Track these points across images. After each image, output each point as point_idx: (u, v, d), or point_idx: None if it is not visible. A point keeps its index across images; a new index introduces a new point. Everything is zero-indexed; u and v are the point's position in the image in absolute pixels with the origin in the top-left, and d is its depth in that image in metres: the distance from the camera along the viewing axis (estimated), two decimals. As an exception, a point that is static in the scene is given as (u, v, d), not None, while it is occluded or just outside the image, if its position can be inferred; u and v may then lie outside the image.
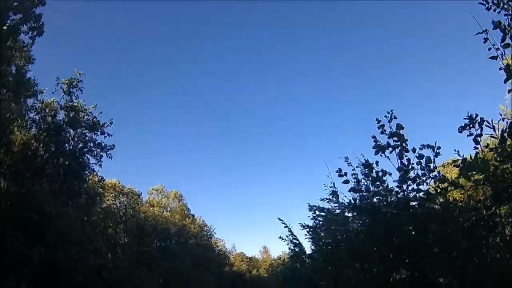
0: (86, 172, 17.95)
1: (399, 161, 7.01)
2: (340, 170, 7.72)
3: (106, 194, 26.31)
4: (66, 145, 17.08)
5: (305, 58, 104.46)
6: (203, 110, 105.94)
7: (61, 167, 15.63)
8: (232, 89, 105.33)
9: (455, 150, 6.27)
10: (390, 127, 7.11)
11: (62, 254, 12.12)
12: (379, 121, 7.27)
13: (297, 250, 14.80)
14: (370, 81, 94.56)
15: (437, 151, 6.71)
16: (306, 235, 15.08)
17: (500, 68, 5.39)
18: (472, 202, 6.05)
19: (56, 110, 16.17)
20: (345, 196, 8.73)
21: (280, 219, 13.37)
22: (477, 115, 5.95)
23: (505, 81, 5.42)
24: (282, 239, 14.96)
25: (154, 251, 30.96)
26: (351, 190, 7.96)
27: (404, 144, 7.03)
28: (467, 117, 5.97)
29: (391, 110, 7.14)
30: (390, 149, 7.07)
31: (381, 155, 7.15)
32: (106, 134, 18.32)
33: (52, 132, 15.81)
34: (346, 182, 7.80)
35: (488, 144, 6.15)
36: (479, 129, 6.07)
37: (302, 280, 17.13)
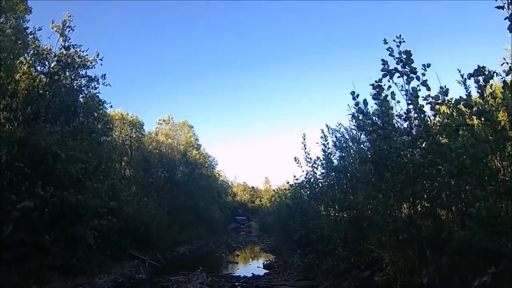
0: (83, 101, 18.14)
1: (407, 86, 6.96)
2: (353, 92, 7.99)
3: (112, 126, 26.03)
4: (63, 89, 17.08)
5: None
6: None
7: (62, 108, 15.71)
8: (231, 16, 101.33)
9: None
10: (399, 53, 6.94)
11: (73, 194, 12.54)
12: (386, 41, 7.03)
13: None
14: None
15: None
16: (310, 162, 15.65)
17: (505, 18, 5.39)
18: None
19: (54, 54, 16.01)
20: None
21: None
22: (484, 67, 6.08)
23: (509, 29, 5.43)
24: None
25: (161, 182, 31.13)
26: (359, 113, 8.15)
27: (412, 68, 6.87)
28: (476, 69, 6.04)
29: (400, 35, 6.94)
30: (398, 74, 6.99)
31: (389, 80, 7.08)
32: (98, 63, 18.11)
33: (52, 75, 15.76)
34: (356, 104, 8.06)
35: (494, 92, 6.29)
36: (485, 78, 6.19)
37: (304, 207, 17.91)
